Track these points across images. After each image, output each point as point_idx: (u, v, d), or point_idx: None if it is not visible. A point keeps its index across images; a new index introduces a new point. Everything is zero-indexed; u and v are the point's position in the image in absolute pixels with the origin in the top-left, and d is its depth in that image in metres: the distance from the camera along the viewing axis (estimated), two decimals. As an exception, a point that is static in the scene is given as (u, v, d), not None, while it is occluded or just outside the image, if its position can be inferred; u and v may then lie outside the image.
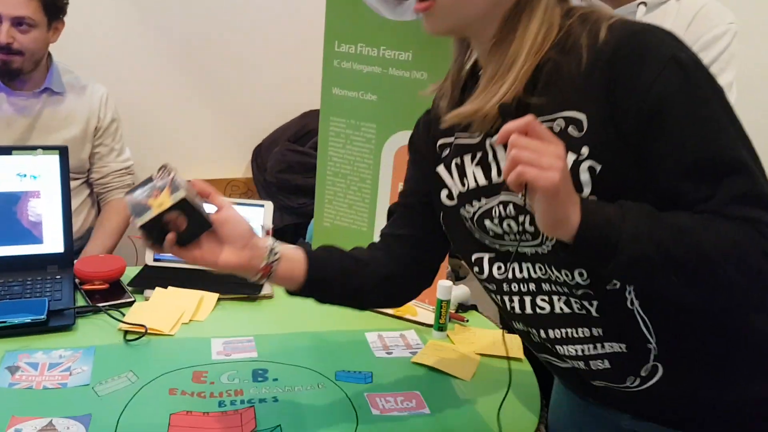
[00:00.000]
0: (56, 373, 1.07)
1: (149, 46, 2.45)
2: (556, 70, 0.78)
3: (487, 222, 0.87)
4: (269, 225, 1.48)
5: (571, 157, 0.76)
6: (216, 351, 1.18)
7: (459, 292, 1.42)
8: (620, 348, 0.81)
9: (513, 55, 0.79)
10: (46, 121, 1.82)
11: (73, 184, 1.81)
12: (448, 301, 1.27)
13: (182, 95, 2.56)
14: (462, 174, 0.90)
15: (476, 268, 0.93)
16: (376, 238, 1.06)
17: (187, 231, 0.86)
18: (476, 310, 1.43)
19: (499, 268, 0.90)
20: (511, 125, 0.71)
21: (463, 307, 1.42)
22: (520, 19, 0.80)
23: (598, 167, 0.75)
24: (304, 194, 2.52)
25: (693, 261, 0.70)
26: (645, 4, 1.28)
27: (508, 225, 0.85)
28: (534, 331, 0.89)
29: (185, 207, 0.84)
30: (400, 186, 1.43)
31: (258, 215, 1.49)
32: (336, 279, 0.97)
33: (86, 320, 1.26)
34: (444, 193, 0.94)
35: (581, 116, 0.76)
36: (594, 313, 0.81)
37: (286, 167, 2.54)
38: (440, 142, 0.96)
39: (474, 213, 0.89)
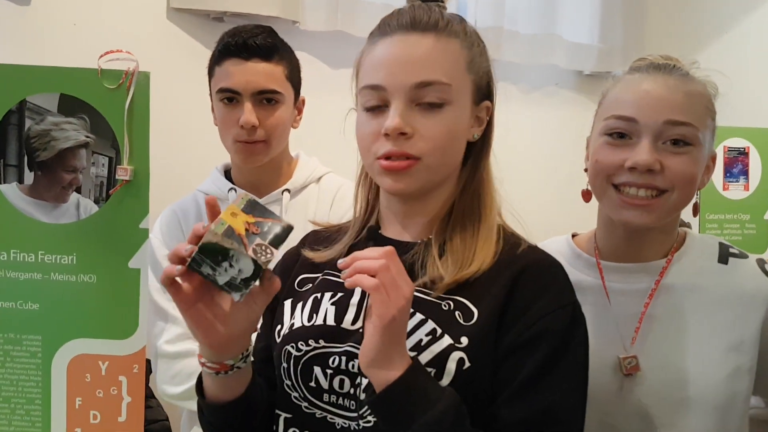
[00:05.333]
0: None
1: None
2: None
3: (317, 369, 0.80)
4: None
5: (446, 341, 0.75)
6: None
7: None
8: None
9: (479, 241, 0.81)
10: None
11: None
12: None
13: None
14: (315, 309, 0.83)
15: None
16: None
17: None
18: None
19: None
20: (375, 251, 0.71)
21: None
22: (482, 203, 0.83)
23: (468, 365, 0.75)
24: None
25: None
26: (289, 191, 1.35)
27: (340, 381, 0.79)
28: None
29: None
30: (78, 402, 1.28)
31: None
32: (259, 407, 0.86)
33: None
34: (277, 328, 0.87)
35: (473, 309, 0.77)
36: None
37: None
38: (303, 276, 0.89)
39: (305, 352, 0.81)
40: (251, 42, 1.23)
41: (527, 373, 0.76)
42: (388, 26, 0.82)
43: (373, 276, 0.70)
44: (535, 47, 2.52)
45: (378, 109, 0.80)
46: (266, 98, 1.26)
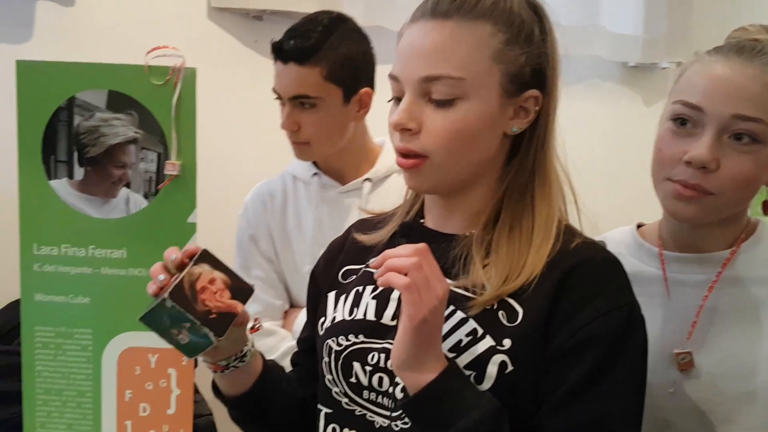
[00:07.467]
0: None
1: None
2: None
3: (356, 365, 0.78)
4: None
5: (488, 342, 0.71)
6: None
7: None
8: None
9: (526, 255, 0.74)
10: None
11: None
12: None
13: None
14: (356, 303, 0.82)
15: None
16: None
17: None
18: None
19: (333, 430, 0.81)
20: (407, 249, 0.68)
21: None
22: (535, 203, 0.77)
23: (510, 368, 0.70)
24: (15, 401, 2.14)
25: None
26: (370, 180, 1.34)
27: (379, 379, 0.76)
28: None
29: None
30: (128, 394, 1.29)
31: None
32: (274, 401, 0.88)
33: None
34: (320, 320, 0.85)
35: (518, 308, 0.72)
36: None
37: (-10, 373, 2.15)
38: (347, 268, 0.88)
39: (345, 347, 0.79)
40: (285, 46, 1.24)
41: (574, 381, 0.70)
42: (417, 11, 0.79)
43: (405, 274, 0.67)
44: (577, 38, 2.46)
45: (399, 100, 0.77)
46: (302, 102, 1.26)
